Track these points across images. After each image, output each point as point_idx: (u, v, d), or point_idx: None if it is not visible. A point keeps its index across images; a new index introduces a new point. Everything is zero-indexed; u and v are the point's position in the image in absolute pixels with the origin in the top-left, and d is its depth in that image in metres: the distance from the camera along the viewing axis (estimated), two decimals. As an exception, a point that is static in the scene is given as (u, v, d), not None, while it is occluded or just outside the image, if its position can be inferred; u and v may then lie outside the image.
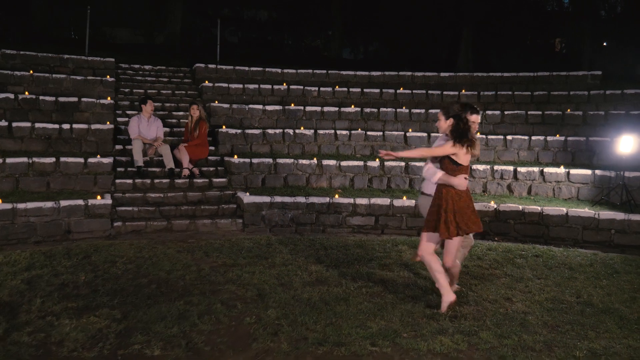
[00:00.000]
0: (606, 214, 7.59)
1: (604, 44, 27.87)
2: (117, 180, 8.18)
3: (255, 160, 8.90)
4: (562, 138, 9.84)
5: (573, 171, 8.82)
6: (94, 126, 9.00)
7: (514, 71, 13.80)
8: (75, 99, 9.76)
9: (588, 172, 8.74)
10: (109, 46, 18.06)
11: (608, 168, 8.85)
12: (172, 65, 13.49)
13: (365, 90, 12.29)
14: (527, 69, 13.94)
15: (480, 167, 9.13)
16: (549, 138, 9.90)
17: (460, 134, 4.47)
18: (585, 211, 7.72)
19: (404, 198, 8.29)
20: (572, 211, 7.69)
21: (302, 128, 10.30)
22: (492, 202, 8.08)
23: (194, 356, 3.56)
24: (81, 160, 8.01)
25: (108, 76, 11.19)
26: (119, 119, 10.08)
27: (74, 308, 4.30)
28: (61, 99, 9.68)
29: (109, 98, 10.26)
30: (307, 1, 25.05)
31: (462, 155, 4.47)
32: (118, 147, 9.13)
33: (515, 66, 15.07)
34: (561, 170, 8.84)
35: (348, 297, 4.79)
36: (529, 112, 11.03)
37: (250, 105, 10.83)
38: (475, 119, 4.86)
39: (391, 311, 4.47)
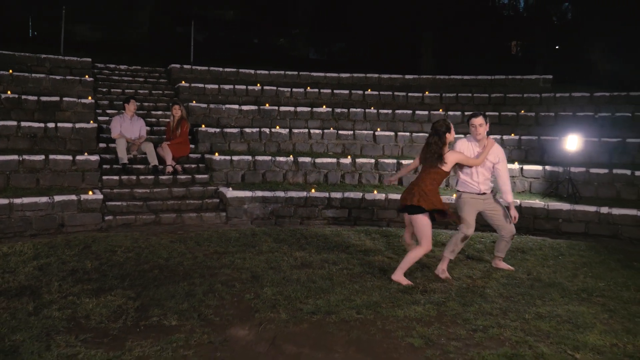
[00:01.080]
0: (555, 204, 8.49)
1: (556, 47, 29.46)
2: (104, 177, 8.60)
3: (235, 158, 9.45)
4: (517, 137, 10.76)
5: (526, 167, 9.72)
6: (78, 125, 9.37)
7: (472, 74, 14.74)
8: (57, 99, 10.08)
9: (539, 167, 9.66)
10: (78, 44, 18.14)
11: (557, 164, 9.79)
12: (146, 65, 13.84)
13: (335, 91, 12.97)
14: (485, 71, 14.89)
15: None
16: (505, 137, 10.80)
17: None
18: (537, 202, 8.60)
19: (375, 192, 9.00)
20: (525, 202, 8.56)
21: (277, 127, 10.90)
22: (454, 196, 8.86)
23: (206, 325, 4.14)
24: (70, 157, 8.40)
25: (87, 76, 11.51)
26: (100, 118, 10.45)
27: (90, 289, 4.80)
28: (43, 98, 10.00)
29: (89, 98, 10.61)
30: (274, 1, 25.56)
31: None
32: (102, 145, 9.53)
33: (474, 68, 16.06)
34: (516, 166, 9.72)
35: (332, 277, 5.44)
36: (487, 113, 11.87)
37: (227, 105, 11.36)
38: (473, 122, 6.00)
39: (371, 288, 5.14)
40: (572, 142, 9.07)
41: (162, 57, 15.01)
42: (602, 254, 6.93)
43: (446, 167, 5.32)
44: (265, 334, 4.02)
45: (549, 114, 11.79)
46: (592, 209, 8.28)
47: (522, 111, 12.04)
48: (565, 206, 8.44)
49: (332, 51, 30.21)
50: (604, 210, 8.18)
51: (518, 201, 8.56)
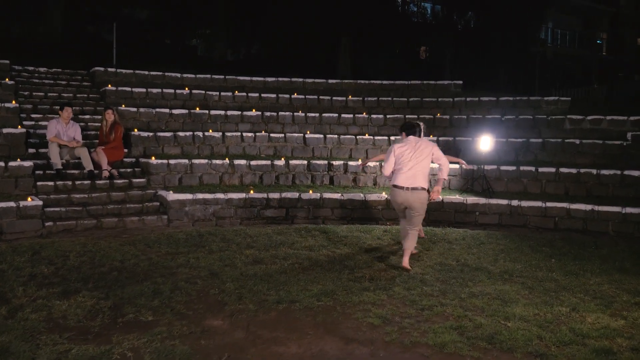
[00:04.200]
0: (472, 199, 9.44)
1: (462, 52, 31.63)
2: (39, 183, 8.44)
3: (172, 162, 9.58)
4: (435, 138, 11.69)
5: (445, 165, 10.64)
6: (5, 130, 9.08)
7: (386, 78, 15.62)
8: (-23, 103, 9.68)
9: (456, 166, 10.59)
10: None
11: (471, 162, 10.78)
12: (66, 68, 13.43)
13: (262, 95, 13.33)
14: (398, 75, 15.86)
15: (371, 163, 10.62)
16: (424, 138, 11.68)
17: None
18: (457, 198, 9.52)
19: (310, 192, 9.52)
20: (447, 198, 9.44)
21: (210, 130, 11.11)
22: (384, 193, 9.60)
23: (182, 318, 4.43)
24: (1, 164, 8.17)
25: (7, 79, 11.07)
26: (25, 123, 10.13)
27: (56, 292, 4.91)
28: (-38, 102, 9.56)
29: (13, 102, 10.26)
30: (189, 2, 25.27)
31: None
32: (31, 150, 9.29)
33: (387, 72, 17.04)
34: (435, 165, 10.58)
35: (285, 271, 5.88)
36: (407, 116, 12.83)
37: (158, 109, 11.39)
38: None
39: (324, 278, 5.64)
40: (485, 143, 10.09)
41: (80, 59, 14.60)
42: (515, 241, 7.88)
43: None
44: (238, 322, 4.39)
45: (462, 116, 12.89)
46: (505, 202, 9.30)
47: (438, 114, 13.07)
48: (481, 200, 9.41)
49: (250, 53, 30.39)
50: (515, 203, 9.23)
51: (441, 197, 9.41)
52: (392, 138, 11.65)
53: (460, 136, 11.87)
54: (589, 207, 8.90)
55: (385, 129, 12.68)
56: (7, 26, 20.09)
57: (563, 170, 10.15)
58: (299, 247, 7.05)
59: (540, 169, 10.26)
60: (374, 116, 12.79)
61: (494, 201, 9.34)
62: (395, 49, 24.46)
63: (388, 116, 12.85)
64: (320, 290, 5.22)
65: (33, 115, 10.50)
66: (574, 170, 10.12)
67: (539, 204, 9.11)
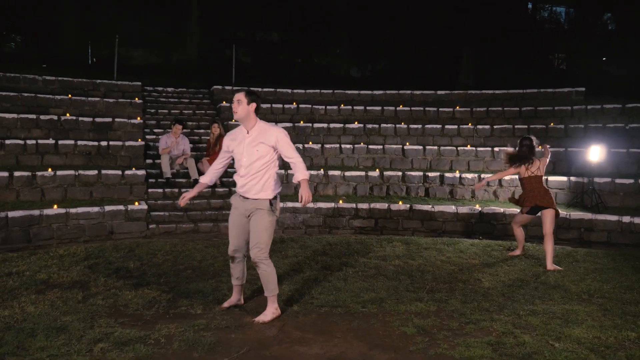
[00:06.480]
0: (576, 214, 8.68)
1: (604, 59, 29.00)
2: (150, 190, 9.42)
3: (269, 171, 10.08)
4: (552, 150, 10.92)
5: (551, 178, 9.91)
6: (127, 143, 10.28)
7: (512, 88, 14.71)
8: (109, 119, 11.06)
9: (564, 178, 9.83)
10: (131, 68, 19.45)
11: (583, 175, 9.92)
12: (191, 87, 14.79)
13: (368, 107, 13.49)
14: (526, 84, 14.86)
15: (469, 175, 10.24)
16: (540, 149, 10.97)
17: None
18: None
19: (400, 202, 9.44)
20: (546, 212, 8.76)
21: (310, 143, 11.51)
22: (477, 206, 9.20)
23: (227, 314, 4.71)
24: (119, 172, 9.26)
25: (137, 98, 12.51)
26: (148, 137, 11.36)
27: (131, 284, 5.48)
28: (97, 119, 10.99)
29: (138, 118, 11.56)
30: (316, 23, 26.44)
31: None
32: (148, 161, 10.39)
33: (515, 82, 16.05)
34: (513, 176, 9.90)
35: (347, 278, 5.93)
36: (516, 126, 12.15)
37: (264, 123, 12.04)
38: None
39: (380, 287, 5.60)
40: (595, 153, 9.23)
41: (208, 79, 15.96)
42: (617, 261, 7.10)
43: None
44: (276, 322, 4.55)
45: (579, 126, 11.88)
46: (614, 218, 8.43)
47: (552, 124, 12.19)
48: (587, 215, 8.61)
49: (374, 69, 30.79)
50: (626, 219, 8.32)
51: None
52: (497, 149, 11.11)
53: (574, 147, 10.95)
54: None
55: (492, 140, 12.12)
56: (147, 55, 22.63)
57: (692, 184, 8.94)
58: (373, 256, 7.05)
59: (663, 183, 9.13)
60: (480, 127, 12.31)
61: (601, 217, 8.50)
62: (523, 57, 23.16)
63: (495, 127, 12.27)
64: (369, 298, 5.20)
65: (155, 130, 11.73)
66: None
67: (655, 221, 8.11)
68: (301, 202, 4.54)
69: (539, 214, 6.93)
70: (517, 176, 7.25)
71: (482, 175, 10.22)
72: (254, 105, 4.63)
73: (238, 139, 4.68)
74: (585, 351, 3.98)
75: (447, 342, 4.12)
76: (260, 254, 4.57)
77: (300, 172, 4.62)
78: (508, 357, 3.85)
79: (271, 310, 4.60)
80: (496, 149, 11.12)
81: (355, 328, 4.43)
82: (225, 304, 4.88)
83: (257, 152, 4.58)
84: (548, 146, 7.44)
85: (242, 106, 4.59)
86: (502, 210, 9.02)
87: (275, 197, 4.67)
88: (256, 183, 4.58)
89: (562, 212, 8.80)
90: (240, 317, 4.65)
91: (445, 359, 3.84)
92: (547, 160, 7.15)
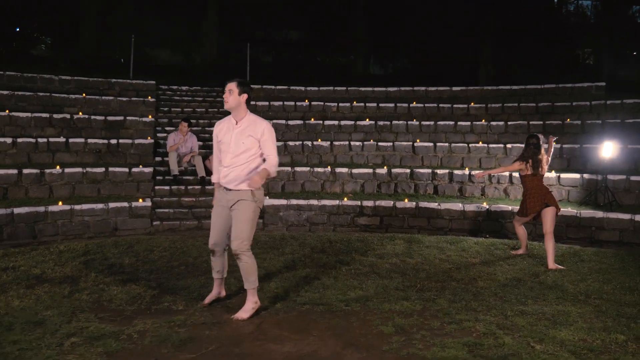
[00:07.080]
0: (587, 212, 8.41)
1: (634, 53, 28.12)
2: (157, 187, 9.50)
3: (275, 169, 10.07)
4: (559, 145, 10.63)
5: (563, 175, 9.63)
6: (137, 141, 10.40)
7: (532, 84, 14.27)
8: (121, 118, 11.21)
9: (577, 176, 9.54)
10: (150, 68, 19.69)
11: (598, 172, 9.61)
12: (206, 86, 14.86)
13: (381, 104, 13.34)
14: (547, 80, 14.42)
15: (487, 174, 10.00)
16: (545, 145, 10.68)
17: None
18: (569, 210, 8.55)
19: (406, 200, 9.30)
20: (555, 210, 8.51)
21: (319, 140, 11.45)
22: (485, 204, 9.00)
23: (208, 311, 4.70)
24: (126, 170, 9.37)
25: (150, 97, 12.64)
26: (159, 135, 11.46)
27: (120, 280, 5.53)
28: (109, 117, 11.15)
29: (150, 116, 11.69)
30: (335, 22, 26.36)
31: None
32: (157, 158, 10.49)
33: (538, 78, 15.59)
34: (552, 174, 9.65)
35: (338, 276, 5.86)
36: (531, 122, 11.85)
37: (274, 120, 12.04)
38: None
39: (369, 285, 5.51)
40: (608, 149, 8.93)
41: (223, 78, 16.04)
42: (625, 261, 6.85)
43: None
44: (255, 319, 4.51)
45: (596, 121, 11.52)
46: (627, 216, 8.14)
47: (568, 119, 11.84)
48: (598, 214, 8.34)
49: (395, 67, 30.54)
50: (639, 218, 8.02)
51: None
52: (509, 146, 10.86)
53: (590, 143, 10.61)
54: None
55: (506, 136, 11.85)
56: (171, 56, 22.93)
57: None
58: (371, 254, 6.96)
59: (680, 180, 8.77)
60: (493, 123, 12.05)
61: (613, 215, 8.22)
62: (547, 52, 22.63)
63: (509, 123, 11.99)
64: (356, 296, 5.12)
65: (167, 128, 11.83)
66: None
67: (668, 219, 7.80)
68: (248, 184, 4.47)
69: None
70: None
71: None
72: (245, 96, 4.62)
73: (225, 129, 4.66)
74: (566, 354, 3.83)
75: (423, 342, 4.01)
76: (242, 245, 4.55)
77: (268, 164, 4.60)
78: (482, 359, 3.73)
79: (250, 305, 4.57)
80: (508, 145, 10.86)
81: (333, 326, 4.36)
82: (207, 300, 4.87)
83: (244, 145, 4.57)
84: (554, 139, 7.22)
85: (233, 96, 4.58)
86: (510, 208, 8.80)
87: (258, 188, 4.62)
88: (239, 174, 4.55)
89: (573, 211, 8.55)
90: (220, 314, 4.63)
91: (417, 359, 3.74)
92: (549, 158, 6.94)
